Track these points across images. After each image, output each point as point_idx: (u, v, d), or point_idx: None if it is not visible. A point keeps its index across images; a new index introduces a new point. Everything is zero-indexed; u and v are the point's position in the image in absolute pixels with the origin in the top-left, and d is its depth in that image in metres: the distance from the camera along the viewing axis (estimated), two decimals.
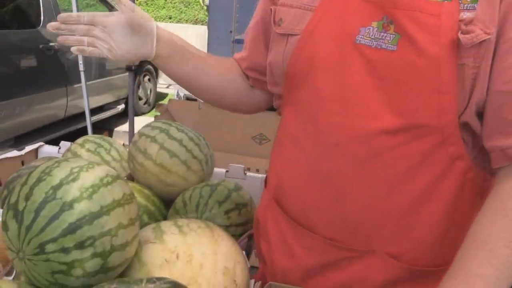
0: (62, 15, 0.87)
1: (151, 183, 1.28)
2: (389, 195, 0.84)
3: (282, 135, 0.99)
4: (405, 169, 0.82)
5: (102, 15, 0.88)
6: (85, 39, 0.87)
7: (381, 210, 0.86)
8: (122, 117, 5.67)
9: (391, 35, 0.79)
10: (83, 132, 3.83)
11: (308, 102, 0.89)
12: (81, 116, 4.54)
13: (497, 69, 0.75)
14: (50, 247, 0.73)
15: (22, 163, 1.62)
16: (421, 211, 0.85)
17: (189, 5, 10.94)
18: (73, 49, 0.88)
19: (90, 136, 1.54)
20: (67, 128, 4.53)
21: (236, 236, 1.15)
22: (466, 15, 0.75)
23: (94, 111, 4.70)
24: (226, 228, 1.15)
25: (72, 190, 0.76)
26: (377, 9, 0.81)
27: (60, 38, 0.88)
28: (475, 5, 0.74)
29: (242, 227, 1.21)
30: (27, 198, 0.76)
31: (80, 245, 0.74)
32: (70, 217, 0.74)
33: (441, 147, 0.80)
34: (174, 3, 11.04)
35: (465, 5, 0.75)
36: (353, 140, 0.83)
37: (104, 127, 5.35)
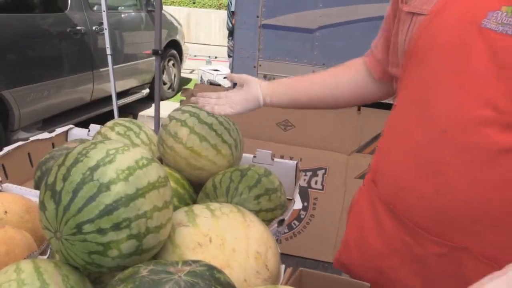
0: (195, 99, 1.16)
1: (181, 167, 1.29)
2: (495, 192, 0.80)
3: (394, 120, 0.98)
4: None
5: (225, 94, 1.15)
6: (215, 107, 1.13)
7: (483, 206, 0.82)
8: (146, 101, 5.71)
9: None
10: (107, 115, 3.87)
11: (423, 86, 0.87)
12: (106, 100, 4.60)
13: None
14: (87, 227, 0.74)
15: (53, 145, 1.64)
16: None
17: None
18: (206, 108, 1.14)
19: (120, 119, 1.55)
20: (92, 112, 4.59)
21: (265, 222, 1.14)
22: None
23: (119, 95, 4.72)
24: (256, 213, 1.15)
25: (109, 172, 0.76)
26: None
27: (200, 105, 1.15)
28: None
29: (272, 212, 1.20)
30: (64, 179, 0.76)
31: (116, 227, 0.75)
32: (107, 198, 0.75)
33: None
34: None
35: None
36: (459, 128, 0.80)
37: (128, 112, 5.41)
